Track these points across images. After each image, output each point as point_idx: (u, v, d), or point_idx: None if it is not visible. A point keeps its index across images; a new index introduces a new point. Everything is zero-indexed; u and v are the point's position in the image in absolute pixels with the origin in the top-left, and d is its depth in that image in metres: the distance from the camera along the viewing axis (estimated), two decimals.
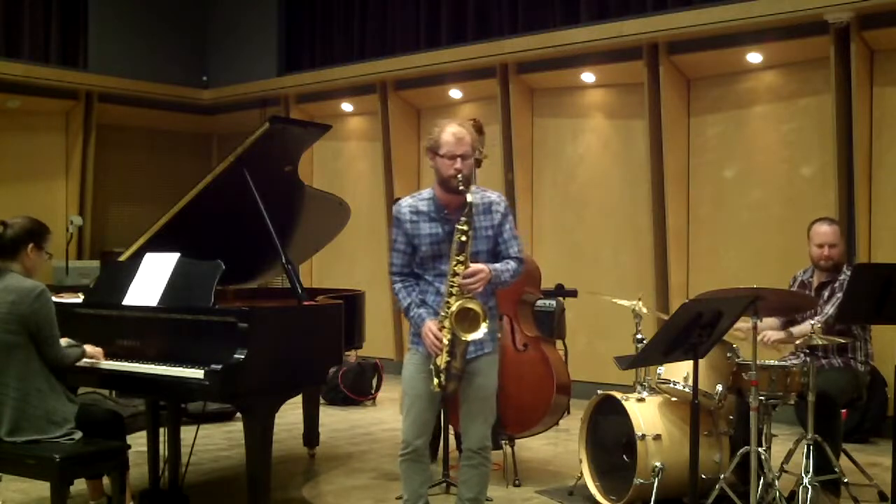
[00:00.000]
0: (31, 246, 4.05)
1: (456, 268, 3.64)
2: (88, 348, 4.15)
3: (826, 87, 6.83)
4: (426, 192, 3.88)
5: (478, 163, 5.36)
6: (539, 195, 8.56)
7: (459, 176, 3.68)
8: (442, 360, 3.67)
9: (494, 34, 8.74)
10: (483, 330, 3.61)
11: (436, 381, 3.69)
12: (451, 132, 3.75)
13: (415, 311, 3.79)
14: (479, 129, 5.40)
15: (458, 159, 3.70)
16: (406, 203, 3.86)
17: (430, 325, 3.70)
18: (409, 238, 3.81)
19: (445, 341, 3.64)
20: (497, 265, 3.76)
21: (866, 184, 6.75)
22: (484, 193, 3.87)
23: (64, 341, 4.05)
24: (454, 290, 3.64)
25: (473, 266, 3.65)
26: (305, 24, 10.66)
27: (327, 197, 5.37)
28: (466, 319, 3.61)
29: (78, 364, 4.10)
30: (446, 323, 3.63)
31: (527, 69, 8.36)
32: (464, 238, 3.64)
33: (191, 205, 4.58)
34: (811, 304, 4.79)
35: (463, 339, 3.61)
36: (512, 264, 3.81)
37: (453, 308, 3.61)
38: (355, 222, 5.77)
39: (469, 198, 3.65)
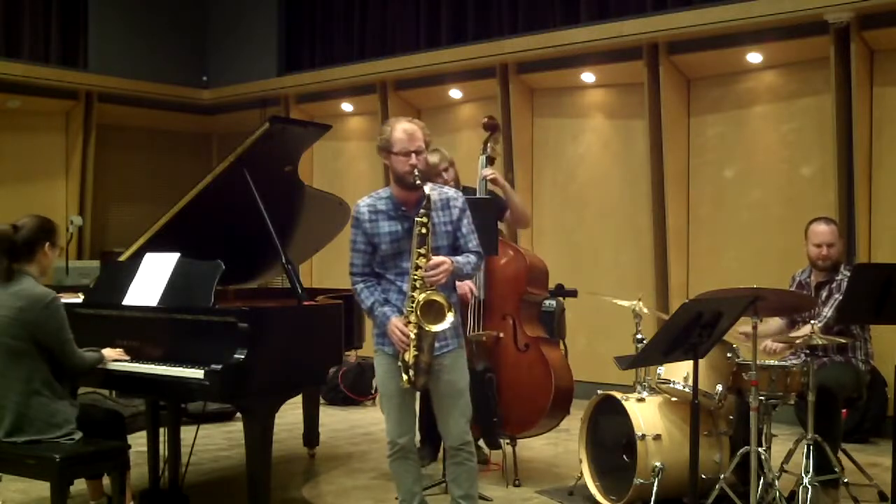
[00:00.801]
0: (46, 245, 4.03)
1: (418, 261, 3.67)
2: (107, 352, 4.15)
3: (826, 87, 6.82)
4: (384, 191, 3.92)
5: (490, 161, 5.38)
6: (539, 195, 8.56)
7: (415, 171, 3.73)
8: (410, 356, 3.70)
9: (494, 34, 8.74)
10: (449, 320, 3.63)
11: (405, 377, 3.72)
12: (403, 129, 3.81)
13: (379, 310, 3.82)
14: (494, 127, 5.42)
15: (413, 155, 3.76)
16: (364, 203, 3.89)
17: (396, 322, 3.73)
18: (369, 237, 3.84)
19: (412, 335, 3.66)
20: (458, 258, 3.80)
21: (866, 184, 6.75)
22: (441, 190, 3.92)
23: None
24: (418, 284, 3.66)
25: (435, 258, 3.68)
26: (305, 24, 10.66)
27: (327, 197, 5.38)
28: (431, 311, 3.64)
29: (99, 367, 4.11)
30: (412, 317, 3.66)
31: (527, 69, 8.36)
32: (424, 230, 3.67)
33: (191, 205, 4.58)
34: (811, 304, 4.79)
35: (429, 330, 3.63)
36: (472, 257, 3.86)
37: (420, 300, 3.63)
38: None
39: (427, 190, 3.69)
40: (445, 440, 3.94)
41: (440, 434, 4.01)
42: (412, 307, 3.66)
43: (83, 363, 4.01)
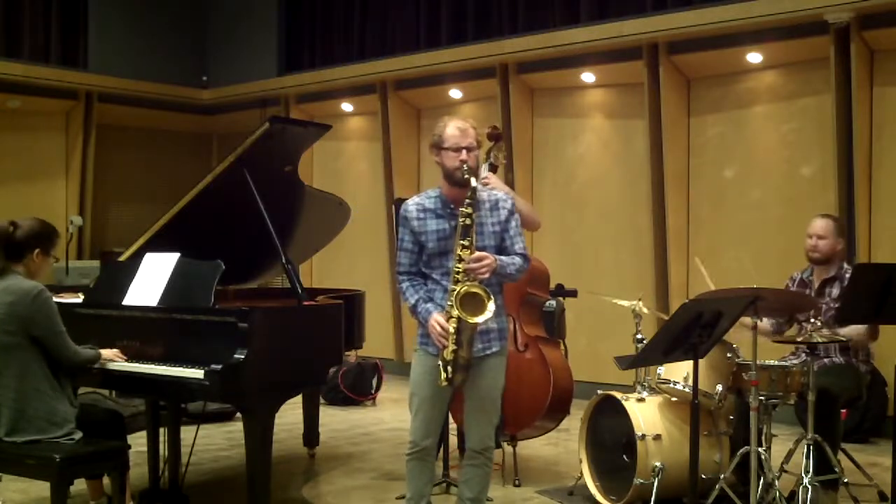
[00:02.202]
0: (37, 251, 4.01)
1: (461, 252, 3.64)
2: (105, 352, 4.14)
3: (826, 87, 6.82)
4: (433, 191, 3.90)
5: (493, 168, 5.36)
6: (539, 195, 8.56)
7: (465, 166, 3.71)
8: (448, 352, 3.65)
9: (494, 34, 8.74)
10: (489, 312, 3.58)
11: (443, 374, 3.66)
12: (456, 125, 3.81)
13: (422, 307, 3.79)
14: (497, 137, 5.38)
15: (464, 151, 3.75)
16: (413, 202, 3.88)
17: (437, 317, 3.70)
18: (416, 236, 3.83)
19: (452, 329, 3.63)
20: (503, 257, 3.77)
21: (866, 184, 6.75)
22: (490, 191, 3.92)
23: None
24: (459, 277, 3.63)
25: (479, 252, 3.65)
26: (305, 24, 10.66)
27: (327, 197, 5.37)
28: (471, 303, 3.60)
29: (94, 366, 4.10)
30: (453, 312, 3.62)
31: (527, 69, 8.36)
32: (468, 221, 3.64)
33: (191, 205, 4.58)
34: (811, 304, 4.78)
35: (469, 322, 3.59)
36: (518, 259, 3.82)
37: (459, 290, 3.60)
38: (355, 222, 5.76)
39: (473, 182, 3.67)
40: (468, 441, 3.91)
41: (445, 434, 4.00)
42: (452, 299, 3.62)
43: (76, 356, 3.99)
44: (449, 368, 3.66)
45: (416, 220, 3.83)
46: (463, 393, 3.86)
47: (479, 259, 3.63)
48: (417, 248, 3.85)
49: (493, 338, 3.78)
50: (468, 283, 3.61)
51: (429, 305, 3.77)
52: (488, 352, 3.80)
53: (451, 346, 3.64)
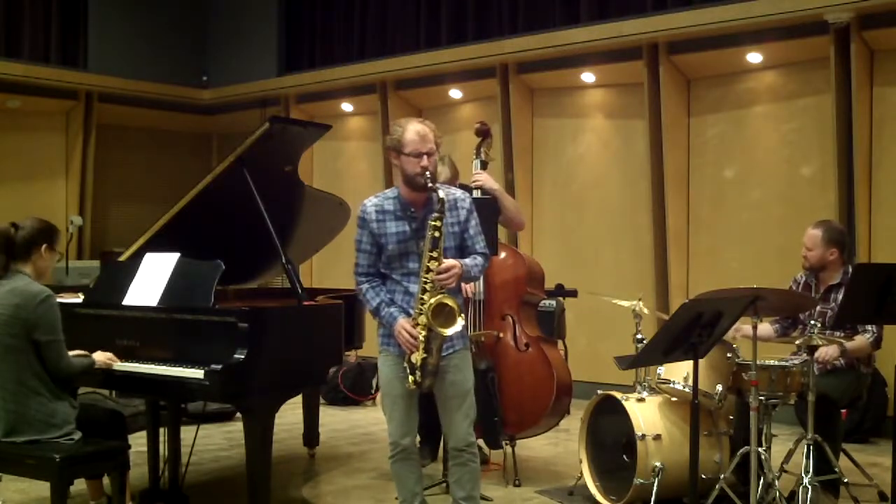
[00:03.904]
0: (44, 247, 4.02)
1: (430, 263, 3.67)
2: (98, 356, 4.12)
3: (826, 87, 6.82)
4: (391, 192, 3.91)
5: (484, 165, 5.37)
6: (539, 195, 8.56)
7: (426, 173, 3.72)
8: (418, 357, 3.70)
9: (494, 34, 8.73)
10: (460, 324, 3.64)
11: (411, 378, 3.72)
12: (415, 130, 3.78)
13: (385, 311, 3.81)
14: (485, 133, 5.41)
15: (424, 156, 3.74)
16: (371, 203, 3.88)
17: (403, 324, 3.72)
18: (375, 238, 3.84)
19: (421, 338, 3.66)
20: (466, 260, 3.80)
21: (866, 184, 6.74)
22: (448, 190, 3.91)
23: (72, 353, 4.04)
24: (428, 287, 3.66)
25: (447, 262, 3.69)
26: (305, 24, 10.66)
27: (327, 197, 5.37)
28: (443, 314, 3.65)
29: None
30: (421, 319, 3.66)
31: (527, 69, 8.36)
32: (437, 234, 3.67)
33: (191, 205, 4.58)
34: (811, 303, 4.78)
35: (441, 334, 3.63)
36: (479, 259, 3.86)
37: (431, 303, 3.63)
38: (355, 222, 5.74)
39: (441, 193, 3.69)
40: (448, 441, 3.92)
41: (442, 434, 4.01)
42: (422, 310, 3.65)
43: (69, 368, 3.94)
44: (417, 373, 3.71)
45: (374, 221, 3.83)
46: (434, 395, 3.87)
47: (448, 269, 3.66)
48: (376, 250, 3.86)
49: (455, 336, 3.78)
50: (438, 293, 3.65)
51: (392, 310, 3.80)
52: (451, 351, 3.82)
53: (421, 353, 3.69)
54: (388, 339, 3.85)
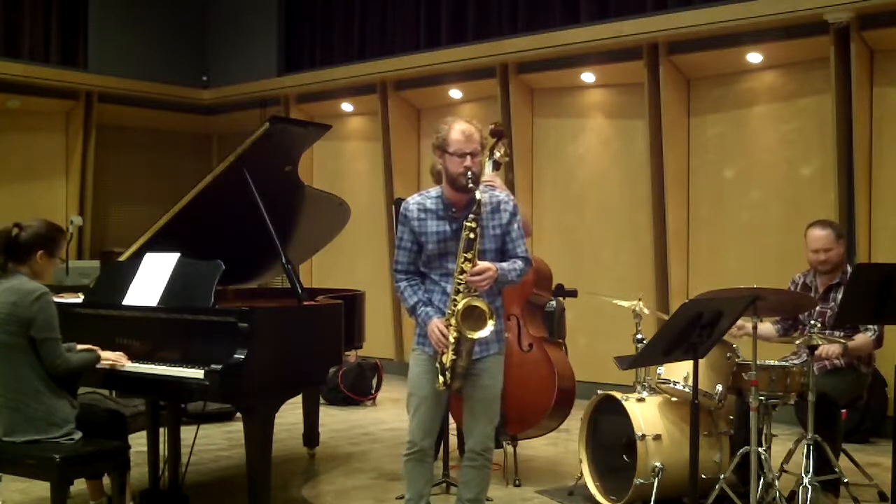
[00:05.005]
0: (40, 253, 4.00)
1: (463, 265, 3.64)
2: (108, 354, 4.12)
3: (826, 87, 6.82)
4: (434, 191, 3.88)
5: (497, 166, 5.35)
6: (539, 195, 8.56)
7: (469, 173, 3.69)
8: (447, 358, 3.67)
9: (494, 34, 8.73)
10: (489, 328, 3.60)
11: (441, 379, 3.69)
12: (460, 129, 3.75)
13: (421, 310, 3.78)
14: (500, 134, 5.38)
15: (468, 157, 3.71)
16: (414, 200, 3.86)
17: (437, 323, 3.70)
18: (416, 236, 3.81)
19: (451, 339, 3.64)
20: (504, 264, 3.75)
21: (866, 184, 6.74)
22: (492, 193, 3.87)
23: (78, 347, 4.03)
24: (461, 288, 3.64)
25: (481, 264, 3.65)
26: (305, 24, 10.66)
27: (327, 197, 5.37)
28: (472, 317, 3.62)
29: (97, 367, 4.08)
30: (452, 321, 3.63)
31: (527, 69, 8.36)
32: (472, 235, 3.64)
33: (191, 205, 4.58)
34: (811, 304, 4.78)
35: (469, 337, 3.61)
36: (519, 263, 3.81)
37: (459, 306, 3.61)
38: (355, 222, 5.77)
39: (478, 195, 3.65)
40: (468, 442, 3.91)
41: (445, 434, 3.99)
42: (453, 311, 3.63)
43: (64, 364, 3.92)
44: (447, 374, 3.68)
45: (416, 219, 3.81)
46: (462, 394, 3.86)
47: (481, 272, 3.63)
48: (416, 248, 3.84)
49: (491, 339, 3.76)
50: (470, 295, 3.63)
51: (429, 309, 3.77)
52: (486, 354, 3.79)
53: (451, 355, 3.66)
54: (423, 339, 3.82)
